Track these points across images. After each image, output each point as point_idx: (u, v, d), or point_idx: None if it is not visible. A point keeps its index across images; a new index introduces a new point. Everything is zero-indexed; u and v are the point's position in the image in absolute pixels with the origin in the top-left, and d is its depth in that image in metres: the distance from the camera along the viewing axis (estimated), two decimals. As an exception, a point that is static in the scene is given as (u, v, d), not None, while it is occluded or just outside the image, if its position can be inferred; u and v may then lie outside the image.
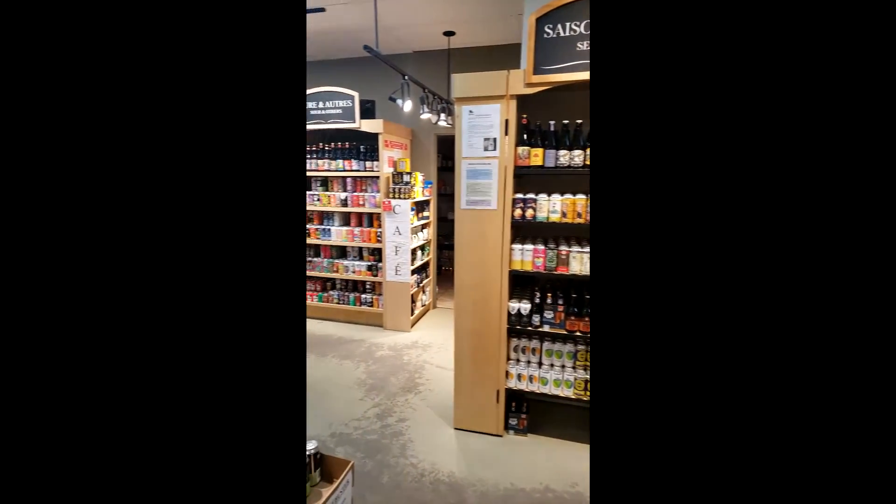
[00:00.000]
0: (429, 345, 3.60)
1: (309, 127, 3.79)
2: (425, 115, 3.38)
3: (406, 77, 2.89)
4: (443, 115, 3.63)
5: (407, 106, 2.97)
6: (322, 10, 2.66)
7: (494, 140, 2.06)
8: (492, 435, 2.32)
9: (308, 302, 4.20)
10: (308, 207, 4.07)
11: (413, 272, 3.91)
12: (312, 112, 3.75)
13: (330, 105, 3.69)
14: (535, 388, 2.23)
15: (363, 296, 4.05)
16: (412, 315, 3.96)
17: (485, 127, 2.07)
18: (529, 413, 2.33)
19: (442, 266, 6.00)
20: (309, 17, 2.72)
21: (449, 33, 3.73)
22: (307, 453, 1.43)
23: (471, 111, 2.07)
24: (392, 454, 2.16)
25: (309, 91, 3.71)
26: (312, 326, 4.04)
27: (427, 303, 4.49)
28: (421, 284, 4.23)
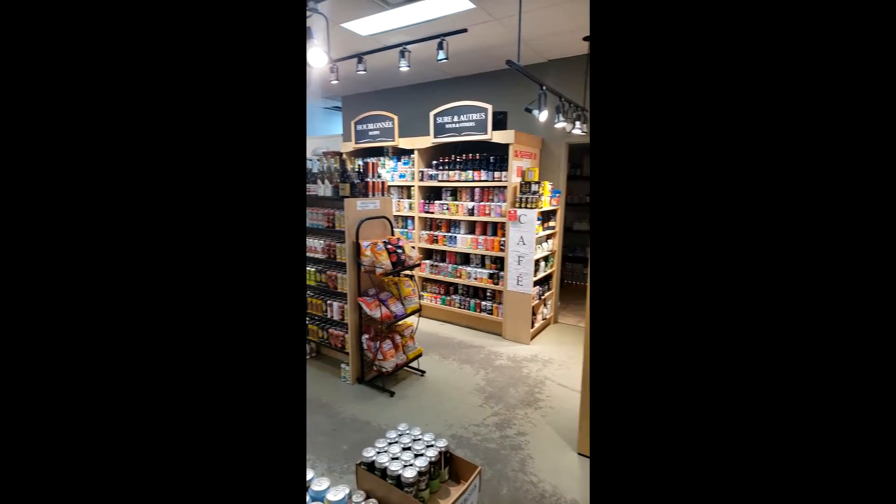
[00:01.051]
0: (549, 360, 3.48)
1: (443, 140, 4.04)
2: (560, 124, 3.30)
3: (543, 87, 2.86)
4: (577, 123, 3.49)
5: (543, 116, 2.94)
6: (464, 31, 2.81)
7: (643, 148, 1.89)
8: (621, 470, 2.11)
9: (432, 304, 4.45)
10: (438, 216, 4.33)
11: (535, 284, 3.83)
12: (447, 126, 3.98)
13: (464, 119, 3.87)
14: (678, 427, 1.96)
15: (483, 303, 4.12)
16: (532, 327, 3.87)
17: (632, 134, 1.92)
18: (668, 454, 2.06)
19: (565, 279, 5.75)
20: (450, 38, 2.89)
21: (589, 38, 3.58)
22: (438, 450, 1.50)
23: (617, 118, 1.94)
24: (511, 467, 2.13)
25: (444, 106, 3.96)
26: (435, 328, 4.27)
27: (548, 316, 4.34)
28: (542, 297, 4.11)
